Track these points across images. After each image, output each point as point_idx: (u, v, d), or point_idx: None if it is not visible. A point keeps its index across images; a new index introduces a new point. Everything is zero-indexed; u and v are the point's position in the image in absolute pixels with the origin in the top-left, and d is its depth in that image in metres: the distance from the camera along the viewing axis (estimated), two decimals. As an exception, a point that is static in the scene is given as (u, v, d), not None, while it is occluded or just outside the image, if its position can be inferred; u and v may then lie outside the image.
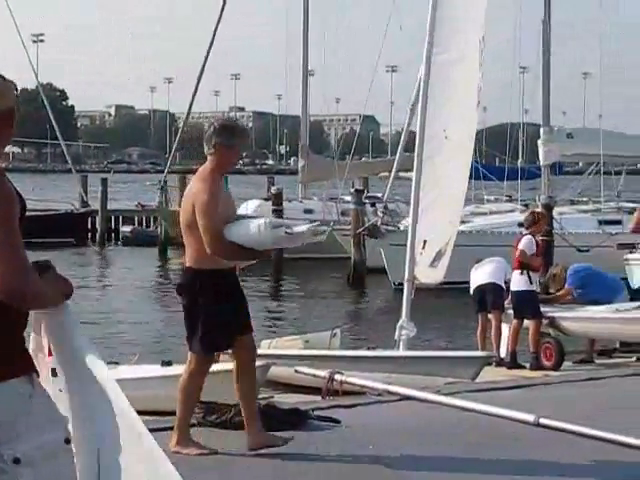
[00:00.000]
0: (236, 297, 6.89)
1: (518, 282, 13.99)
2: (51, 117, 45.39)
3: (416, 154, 12.45)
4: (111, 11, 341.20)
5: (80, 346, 3.75)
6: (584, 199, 34.53)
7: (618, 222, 28.48)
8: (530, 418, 7.86)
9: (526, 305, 13.92)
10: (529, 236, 14.26)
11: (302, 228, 6.80)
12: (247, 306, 6.99)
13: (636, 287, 17.19)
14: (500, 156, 44.33)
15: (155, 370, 11.97)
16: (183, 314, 7.00)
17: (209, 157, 6.83)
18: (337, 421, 7.83)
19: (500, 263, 14.78)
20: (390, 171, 33.32)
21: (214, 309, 6.72)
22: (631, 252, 19.22)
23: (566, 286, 14.68)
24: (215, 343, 6.90)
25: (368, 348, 13.19)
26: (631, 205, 31.01)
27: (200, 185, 6.72)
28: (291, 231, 6.67)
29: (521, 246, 13.94)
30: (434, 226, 12.26)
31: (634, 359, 13.60)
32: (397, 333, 12.15)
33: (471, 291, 14.94)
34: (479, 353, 12.83)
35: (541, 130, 30.85)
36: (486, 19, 12.00)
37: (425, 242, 12.25)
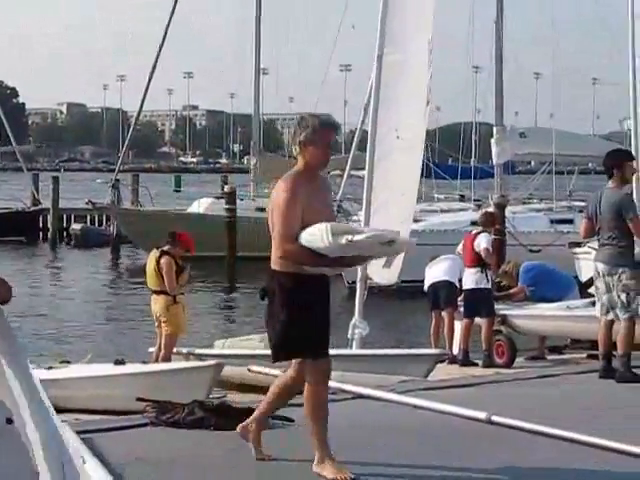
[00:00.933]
0: (320, 306, 6.41)
1: (473, 280, 14.04)
2: (1, 115, 45.02)
3: (368, 154, 12.49)
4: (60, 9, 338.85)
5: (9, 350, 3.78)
6: (534, 200, 34.77)
7: (570, 221, 28.69)
8: (482, 415, 7.91)
9: (481, 303, 13.99)
10: (486, 234, 14.35)
11: (362, 236, 6.21)
12: (328, 322, 6.47)
13: (584, 281, 17.33)
14: (453, 155, 44.53)
15: (108, 369, 11.91)
16: (265, 318, 6.54)
17: (298, 157, 6.46)
18: (290, 420, 7.82)
19: (454, 261, 14.85)
20: (342, 169, 33.44)
21: (298, 315, 6.29)
22: (579, 246, 19.38)
23: (519, 284, 14.77)
24: (298, 348, 6.39)
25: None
26: (583, 204, 31.27)
27: (281, 184, 6.37)
28: (352, 238, 6.12)
29: (484, 244, 13.99)
30: (386, 226, 12.27)
31: (585, 356, 13.71)
32: (350, 332, 12.18)
33: (425, 288, 15.00)
34: (431, 351, 12.88)
35: (494, 129, 31.03)
36: (439, 19, 12.09)
37: None
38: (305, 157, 6.38)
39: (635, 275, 10.19)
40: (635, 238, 10.20)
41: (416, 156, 12.46)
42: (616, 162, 10.51)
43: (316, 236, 6.13)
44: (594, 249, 11.23)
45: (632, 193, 11.60)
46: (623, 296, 10.17)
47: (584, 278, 18.39)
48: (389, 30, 12.16)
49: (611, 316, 10.29)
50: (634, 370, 10.23)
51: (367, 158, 12.48)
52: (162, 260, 13.11)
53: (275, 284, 6.40)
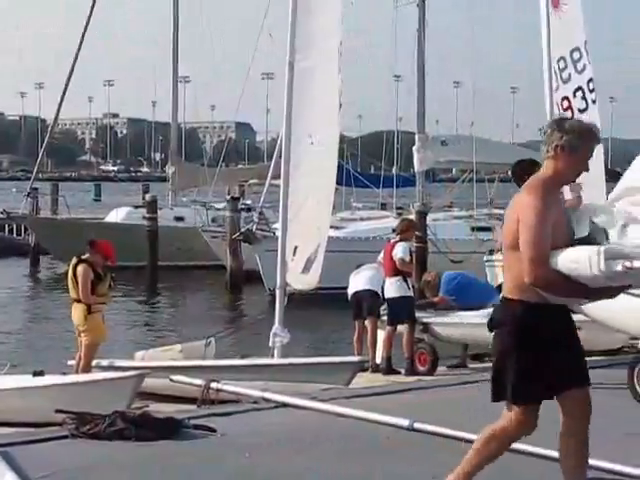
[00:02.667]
0: (567, 341, 5.57)
1: (394, 288, 14.08)
2: None
3: (283, 161, 12.54)
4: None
5: None
6: (456, 208, 35.07)
7: (490, 229, 28.99)
8: (404, 422, 7.93)
9: (402, 311, 14.04)
10: (404, 242, 14.40)
11: None
12: (582, 352, 5.69)
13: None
14: (376, 163, 44.71)
15: (26, 380, 11.73)
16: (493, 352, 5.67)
17: (546, 161, 5.56)
18: (213, 429, 7.77)
19: (378, 270, 14.88)
20: (260, 178, 33.43)
21: (533, 354, 5.41)
22: (490, 252, 19.52)
23: (440, 294, 14.83)
24: (529, 392, 5.49)
25: (242, 356, 13.15)
26: (503, 212, 31.49)
27: (527, 198, 5.39)
28: (631, 265, 5.25)
29: (400, 254, 14.02)
30: (304, 232, 12.35)
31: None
32: (271, 340, 12.15)
33: (349, 297, 15.02)
34: (352, 358, 12.90)
35: (415, 137, 31.24)
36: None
37: (296, 248, 12.32)
38: (558, 164, 5.48)
39: None
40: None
41: (331, 161, 12.52)
42: (524, 172, 10.65)
43: (582, 262, 5.25)
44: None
45: None
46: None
47: (495, 284, 18.54)
48: (299, 37, 12.22)
49: None
50: None
51: (282, 164, 12.52)
52: (78, 268, 12.98)
53: (509, 316, 5.48)
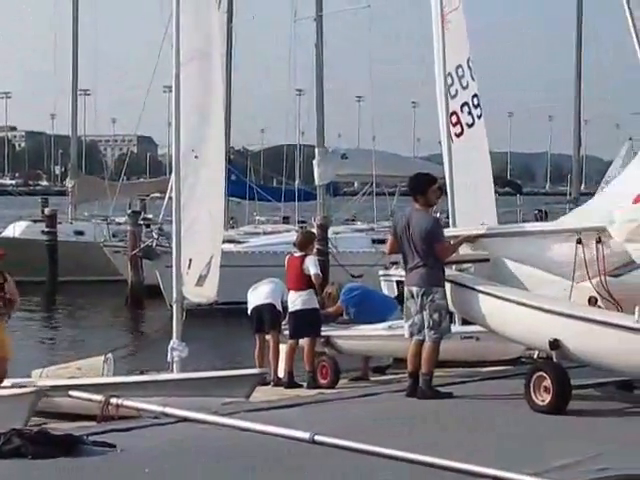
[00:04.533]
0: None
1: (301, 302, 14.05)
2: None
3: (174, 174, 12.58)
4: None
5: None
6: (358, 222, 35.29)
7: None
8: (306, 435, 7.94)
9: (307, 324, 14.02)
10: (313, 256, 14.45)
11: None
12: None
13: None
14: (278, 177, 44.77)
15: None
16: None
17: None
18: (112, 445, 7.69)
19: (277, 284, 14.86)
20: (160, 192, 33.19)
21: None
22: (387, 268, 19.66)
23: (344, 306, 14.85)
24: None
25: (141, 372, 13.02)
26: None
27: None
28: None
29: (315, 269, 14.00)
30: (197, 245, 12.38)
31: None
32: (169, 355, 12.07)
33: (249, 312, 14.97)
34: (251, 371, 12.88)
35: (316, 151, 31.37)
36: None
37: (190, 261, 12.32)
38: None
39: (446, 295, 10.49)
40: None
41: (217, 174, 12.58)
42: (420, 187, 10.82)
43: None
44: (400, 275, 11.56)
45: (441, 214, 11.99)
46: (435, 315, 10.43)
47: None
48: (182, 48, 12.24)
49: (422, 336, 10.53)
50: (436, 388, 10.54)
51: (173, 178, 12.56)
52: None
53: None
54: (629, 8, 10.71)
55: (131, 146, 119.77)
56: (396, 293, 14.65)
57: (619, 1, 10.76)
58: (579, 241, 9.86)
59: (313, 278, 13.95)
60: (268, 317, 14.64)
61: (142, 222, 32.32)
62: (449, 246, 10.69)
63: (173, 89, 12.41)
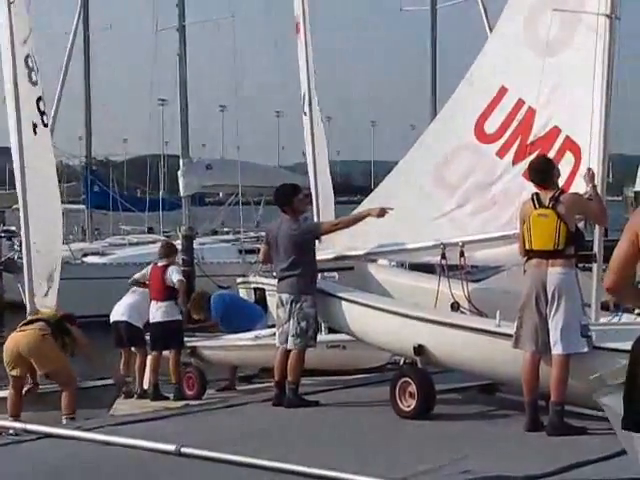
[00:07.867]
0: None
1: (161, 313, 13.91)
2: None
3: (20, 187, 12.61)
4: None
5: None
6: (225, 229, 35.22)
7: (258, 251, 29.16)
8: (171, 448, 7.86)
9: (171, 336, 13.88)
10: (176, 266, 14.35)
11: None
12: None
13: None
14: (141, 187, 44.32)
15: None
16: None
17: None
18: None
19: (140, 295, 14.68)
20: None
21: None
22: (244, 276, 19.63)
23: (212, 316, 14.75)
24: None
25: (-1, 388, 12.73)
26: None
27: None
28: None
29: (178, 276, 13.89)
30: (44, 257, 12.64)
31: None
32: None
33: (110, 324, 14.78)
34: (110, 382, 12.76)
35: (180, 162, 31.19)
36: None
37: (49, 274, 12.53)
38: None
39: (315, 303, 10.51)
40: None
41: (50, 182, 12.74)
42: (285, 199, 10.85)
43: None
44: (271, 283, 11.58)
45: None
46: (303, 323, 10.44)
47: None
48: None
49: (290, 345, 10.54)
50: (303, 396, 10.57)
51: (18, 191, 12.65)
52: None
53: None
54: None
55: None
56: (253, 300, 14.60)
57: None
58: (443, 256, 10.07)
59: (177, 285, 13.84)
60: (125, 334, 14.54)
61: (2, 234, 31.63)
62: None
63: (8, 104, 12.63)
